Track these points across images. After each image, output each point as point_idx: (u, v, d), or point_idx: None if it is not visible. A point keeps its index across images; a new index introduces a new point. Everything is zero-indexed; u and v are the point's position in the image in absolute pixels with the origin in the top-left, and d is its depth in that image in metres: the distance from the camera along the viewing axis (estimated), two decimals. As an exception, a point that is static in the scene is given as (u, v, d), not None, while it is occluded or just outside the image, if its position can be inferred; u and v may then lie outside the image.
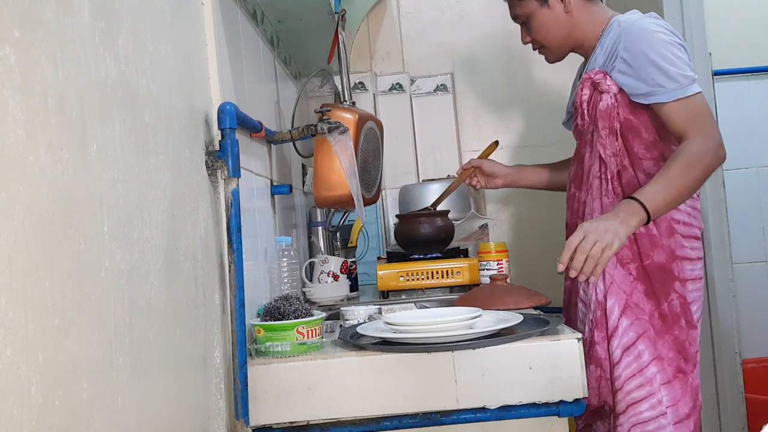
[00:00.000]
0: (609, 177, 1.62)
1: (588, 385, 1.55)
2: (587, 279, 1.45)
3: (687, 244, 1.63)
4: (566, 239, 1.80)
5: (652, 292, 1.59)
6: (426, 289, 1.93)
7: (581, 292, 1.66)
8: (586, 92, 1.66)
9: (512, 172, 1.99)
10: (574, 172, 1.76)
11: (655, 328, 1.57)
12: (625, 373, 1.55)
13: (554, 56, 1.80)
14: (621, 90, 1.61)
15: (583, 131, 1.70)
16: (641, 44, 1.58)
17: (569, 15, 1.71)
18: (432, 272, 1.91)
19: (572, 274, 1.44)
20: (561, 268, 1.45)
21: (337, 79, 1.98)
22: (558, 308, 1.90)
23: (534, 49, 1.82)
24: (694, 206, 1.66)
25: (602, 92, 1.63)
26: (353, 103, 1.79)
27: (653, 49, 1.56)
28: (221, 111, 1.22)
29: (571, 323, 1.71)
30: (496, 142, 2.06)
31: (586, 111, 1.67)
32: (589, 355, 1.58)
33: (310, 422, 1.21)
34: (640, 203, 1.48)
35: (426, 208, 2.07)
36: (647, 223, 1.50)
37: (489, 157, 2.01)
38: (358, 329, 1.33)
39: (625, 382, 1.54)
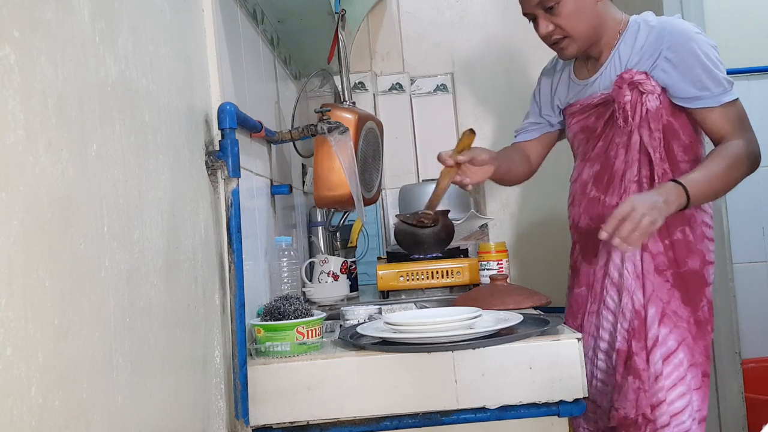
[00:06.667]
0: (657, 181, 1.57)
1: (625, 396, 1.51)
2: (626, 250, 1.46)
3: (711, 248, 1.62)
4: (573, 239, 1.76)
5: (688, 298, 1.57)
6: (426, 289, 1.93)
7: (609, 300, 1.61)
8: (628, 93, 1.59)
9: (495, 157, 1.72)
10: (597, 174, 1.67)
11: (692, 334, 1.55)
12: (667, 383, 1.52)
13: (576, 49, 1.65)
14: (663, 91, 1.58)
15: (614, 133, 1.63)
16: (690, 45, 1.54)
17: (599, 5, 1.62)
18: (432, 272, 1.91)
19: (615, 242, 1.40)
20: (604, 235, 1.42)
21: (337, 79, 1.98)
22: (558, 308, 1.90)
23: (552, 43, 1.66)
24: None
25: (644, 93, 1.57)
26: (353, 103, 1.79)
27: (702, 51, 1.53)
28: (221, 111, 1.22)
29: (586, 331, 1.66)
30: (472, 131, 1.68)
31: (630, 112, 1.59)
32: (627, 366, 1.54)
33: (310, 422, 1.21)
34: (684, 189, 1.46)
35: (420, 220, 1.77)
36: (684, 209, 1.49)
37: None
38: (358, 329, 1.33)
39: (668, 392, 1.51)
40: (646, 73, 1.58)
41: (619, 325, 1.57)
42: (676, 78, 1.55)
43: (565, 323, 1.72)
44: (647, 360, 1.53)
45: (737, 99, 1.56)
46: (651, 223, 1.40)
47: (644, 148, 1.59)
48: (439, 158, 1.63)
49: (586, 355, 1.63)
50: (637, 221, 1.39)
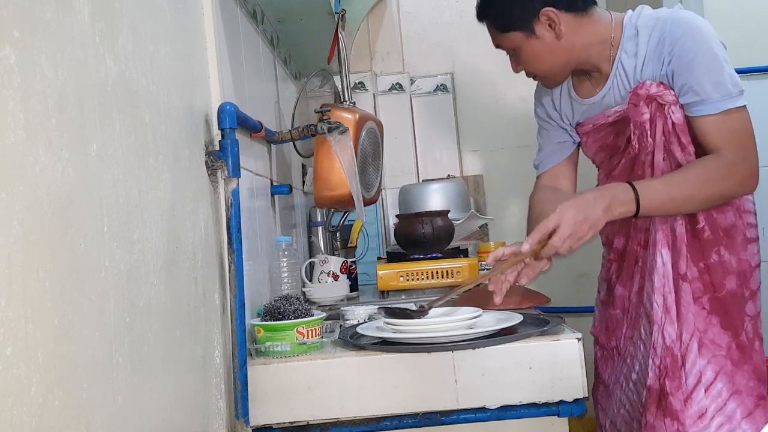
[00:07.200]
0: None
1: None
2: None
3: (756, 250, 1.49)
4: (608, 256, 1.62)
5: (728, 323, 1.43)
6: (426, 289, 1.93)
7: (642, 330, 1.49)
8: (645, 110, 1.44)
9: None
10: None
11: (732, 360, 1.42)
12: (707, 416, 1.40)
13: (554, 82, 1.59)
14: None
15: (637, 153, 1.49)
16: (693, 43, 1.39)
17: (563, 40, 1.48)
18: (432, 272, 1.91)
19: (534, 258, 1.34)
20: (527, 248, 1.32)
21: (337, 79, 1.98)
22: (558, 308, 1.90)
23: (528, 77, 1.60)
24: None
25: (665, 105, 1.43)
26: (353, 103, 1.79)
27: (708, 49, 1.39)
28: (221, 111, 1.22)
29: (622, 355, 1.56)
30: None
31: (648, 131, 1.45)
32: (662, 407, 1.41)
33: (310, 422, 1.21)
34: (636, 196, 1.35)
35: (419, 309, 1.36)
36: (633, 218, 1.38)
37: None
38: (358, 329, 1.33)
39: (708, 427, 1.39)
40: (663, 83, 1.44)
41: (650, 360, 1.44)
42: (679, 83, 1.42)
43: (594, 335, 1.67)
44: (686, 400, 1.40)
45: (742, 107, 1.40)
46: (576, 241, 1.31)
47: (676, 164, 1.44)
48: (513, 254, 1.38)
49: (618, 381, 1.56)
50: (557, 247, 1.30)
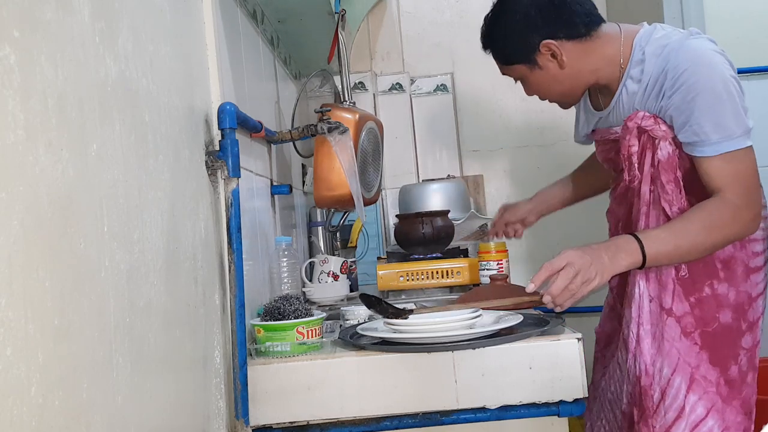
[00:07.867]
0: None
1: None
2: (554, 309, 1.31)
3: (760, 279, 1.45)
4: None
5: (717, 358, 1.40)
6: (426, 289, 1.93)
7: (621, 354, 1.48)
8: (635, 142, 1.42)
9: (536, 205, 1.89)
10: (624, 215, 1.55)
11: (722, 396, 1.39)
12: None
13: (568, 105, 1.60)
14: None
15: (629, 180, 1.48)
16: (694, 81, 1.33)
17: (567, 69, 1.46)
18: (432, 272, 1.91)
19: (545, 299, 1.28)
20: (532, 288, 1.29)
21: (337, 79, 1.98)
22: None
23: (542, 101, 1.60)
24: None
25: (655, 138, 1.40)
26: (353, 103, 1.79)
27: (709, 88, 1.33)
28: (221, 111, 1.22)
29: (604, 359, 1.57)
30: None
31: (636, 165, 1.43)
32: None
33: (310, 422, 1.21)
34: (641, 246, 1.32)
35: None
36: (640, 268, 1.35)
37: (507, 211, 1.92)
38: (358, 329, 1.33)
39: None
40: (654, 116, 1.40)
41: (625, 385, 1.45)
42: (680, 120, 1.37)
43: (597, 335, 1.69)
44: None
45: (746, 148, 1.35)
46: (584, 283, 1.27)
47: (658, 202, 1.43)
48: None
49: (600, 387, 1.58)
50: (569, 278, 1.26)
